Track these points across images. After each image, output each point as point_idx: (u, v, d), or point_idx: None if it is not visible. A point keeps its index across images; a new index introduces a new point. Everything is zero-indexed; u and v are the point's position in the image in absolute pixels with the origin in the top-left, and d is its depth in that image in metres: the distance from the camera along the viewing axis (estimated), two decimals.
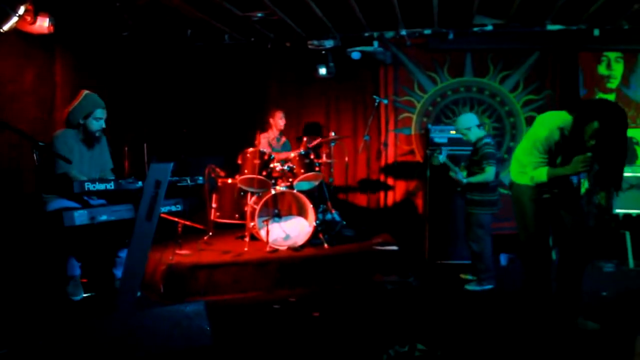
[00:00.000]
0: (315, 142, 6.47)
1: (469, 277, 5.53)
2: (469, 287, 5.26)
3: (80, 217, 3.33)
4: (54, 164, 4.02)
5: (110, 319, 3.20)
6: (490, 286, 5.22)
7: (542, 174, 3.73)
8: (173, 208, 3.96)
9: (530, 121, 6.94)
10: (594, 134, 3.53)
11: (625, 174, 6.01)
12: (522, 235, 4.00)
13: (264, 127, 6.92)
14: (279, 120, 6.84)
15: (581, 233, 3.84)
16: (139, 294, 4.04)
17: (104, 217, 3.46)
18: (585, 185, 3.82)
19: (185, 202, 4.07)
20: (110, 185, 3.50)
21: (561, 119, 3.71)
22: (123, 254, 4.35)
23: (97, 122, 4.29)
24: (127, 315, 3.26)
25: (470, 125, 5.33)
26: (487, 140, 5.25)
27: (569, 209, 3.88)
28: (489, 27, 6.78)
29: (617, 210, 5.99)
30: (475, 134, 5.32)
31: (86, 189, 3.38)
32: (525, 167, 3.82)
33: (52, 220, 3.85)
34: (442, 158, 5.44)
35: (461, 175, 5.23)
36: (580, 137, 3.59)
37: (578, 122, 3.60)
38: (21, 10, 4.53)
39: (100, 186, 3.46)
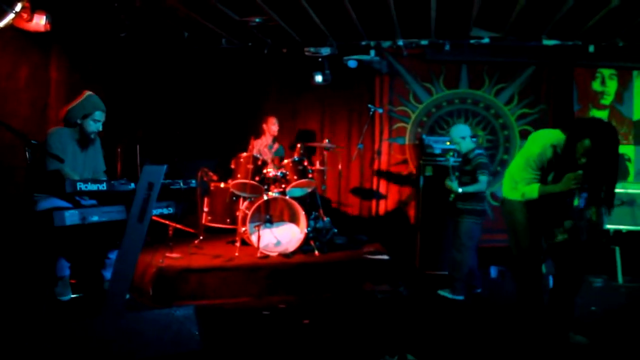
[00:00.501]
0: (312, 144, 6.54)
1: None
2: (441, 292, 5.29)
3: (71, 217, 3.32)
4: (45, 161, 3.98)
5: (98, 321, 3.17)
6: (461, 297, 5.24)
7: (533, 190, 3.75)
8: (165, 211, 3.94)
9: (524, 134, 6.96)
10: (585, 152, 3.55)
11: (617, 190, 6.01)
12: (514, 250, 4.00)
13: (258, 132, 6.91)
14: (272, 126, 6.84)
15: (575, 248, 3.85)
16: (127, 296, 4.01)
17: (95, 218, 3.44)
18: (576, 202, 3.83)
19: (177, 205, 4.04)
20: (103, 186, 3.47)
21: (555, 136, 3.74)
22: (113, 255, 4.31)
23: (95, 123, 4.26)
24: (116, 317, 3.23)
25: (464, 134, 5.39)
26: (480, 151, 5.33)
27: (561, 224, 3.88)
28: (486, 40, 6.82)
29: (608, 226, 6.02)
30: (467, 145, 5.38)
31: (78, 188, 3.35)
32: (518, 183, 3.84)
33: (42, 219, 3.80)
34: (452, 161, 5.47)
35: (456, 184, 5.25)
36: (571, 154, 3.61)
37: (570, 140, 3.62)
38: (18, 7, 4.51)
39: (93, 187, 3.43)
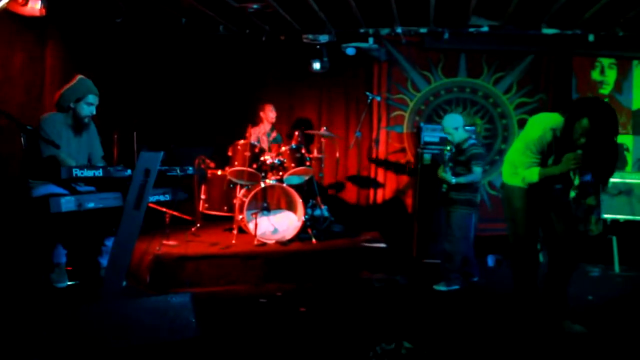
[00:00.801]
0: (310, 131, 6.57)
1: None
2: (437, 287, 5.23)
3: (67, 203, 3.30)
4: (40, 147, 3.94)
5: (94, 308, 3.15)
6: (457, 287, 5.22)
7: (533, 174, 3.72)
8: (161, 198, 3.93)
9: (522, 124, 6.94)
10: (584, 131, 3.52)
11: (614, 180, 6.06)
12: (512, 237, 3.99)
13: (256, 119, 6.87)
14: (269, 113, 6.81)
15: (571, 239, 3.84)
16: (124, 283, 4.00)
17: (91, 205, 3.43)
18: (577, 181, 3.80)
19: (174, 192, 4.02)
20: (99, 172, 3.45)
21: (554, 120, 3.72)
22: (110, 242, 4.29)
23: (88, 107, 4.22)
24: (112, 304, 3.21)
25: (457, 125, 5.29)
26: (473, 141, 5.28)
27: (560, 214, 3.87)
28: (485, 28, 6.78)
29: (605, 216, 6.03)
30: (460, 135, 5.30)
31: (74, 175, 3.32)
32: (517, 167, 3.82)
33: (38, 206, 3.78)
34: (448, 155, 5.43)
35: (450, 175, 5.21)
36: (570, 135, 3.59)
37: (569, 120, 3.60)
38: None
39: (89, 173, 3.40)
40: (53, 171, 3.67)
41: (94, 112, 4.29)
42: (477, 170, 5.12)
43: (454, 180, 5.15)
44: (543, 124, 3.73)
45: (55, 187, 3.94)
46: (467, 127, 5.42)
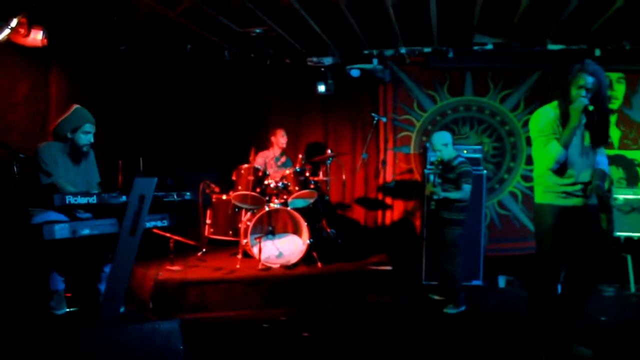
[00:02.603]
0: (317, 158, 6.53)
1: (435, 297, 5.58)
2: (447, 310, 5.13)
3: (61, 230, 3.29)
4: (38, 176, 3.97)
5: (82, 336, 3.11)
6: (463, 307, 5.14)
7: (554, 146, 3.57)
8: (159, 223, 3.90)
9: (530, 141, 6.83)
10: (581, 89, 3.49)
11: (627, 197, 5.92)
12: (537, 257, 3.83)
13: (261, 143, 6.84)
14: (280, 138, 6.76)
15: (598, 262, 3.71)
16: (122, 309, 3.97)
17: (86, 231, 3.41)
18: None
19: (172, 217, 4.00)
20: (93, 199, 3.45)
21: (551, 104, 3.71)
22: (108, 268, 4.28)
23: (85, 136, 4.25)
24: (99, 332, 3.17)
25: (446, 142, 5.32)
26: (462, 159, 5.29)
27: (593, 233, 3.71)
28: (489, 46, 6.72)
29: (619, 233, 5.88)
30: (449, 152, 5.32)
31: (67, 202, 3.33)
32: (541, 158, 3.69)
33: (33, 233, 3.78)
34: (433, 170, 5.41)
35: (439, 189, 5.16)
36: (570, 102, 3.54)
37: (565, 88, 3.58)
38: (14, 22, 4.53)
39: (82, 200, 3.40)
40: (50, 198, 3.68)
41: (92, 140, 4.32)
42: (466, 187, 5.10)
43: (442, 194, 5.10)
44: (543, 110, 3.72)
45: (55, 214, 3.94)
46: (467, 147, 5.37)
